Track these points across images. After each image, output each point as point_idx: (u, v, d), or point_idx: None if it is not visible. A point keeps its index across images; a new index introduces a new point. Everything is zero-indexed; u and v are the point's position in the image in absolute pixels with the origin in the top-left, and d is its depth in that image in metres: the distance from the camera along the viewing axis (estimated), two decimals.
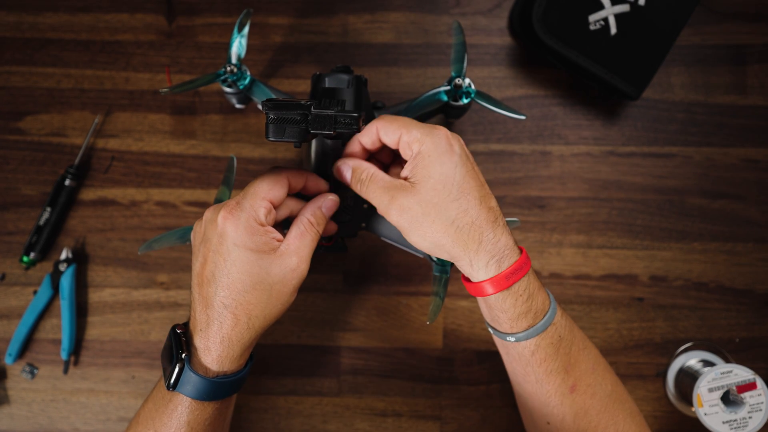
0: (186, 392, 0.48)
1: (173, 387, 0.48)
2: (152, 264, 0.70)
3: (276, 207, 0.50)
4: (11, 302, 0.70)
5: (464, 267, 0.49)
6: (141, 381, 0.70)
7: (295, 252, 0.49)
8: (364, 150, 0.52)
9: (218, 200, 0.59)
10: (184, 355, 0.48)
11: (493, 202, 0.49)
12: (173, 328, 0.50)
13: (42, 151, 0.71)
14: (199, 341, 0.48)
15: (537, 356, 0.51)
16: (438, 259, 0.58)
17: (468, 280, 0.51)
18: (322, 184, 0.54)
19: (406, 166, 0.49)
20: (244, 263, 0.47)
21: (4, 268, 0.71)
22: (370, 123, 0.51)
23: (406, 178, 0.49)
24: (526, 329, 0.50)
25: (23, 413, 0.69)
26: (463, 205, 0.47)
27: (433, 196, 0.47)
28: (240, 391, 0.53)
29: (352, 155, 0.52)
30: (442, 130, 0.49)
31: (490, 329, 0.53)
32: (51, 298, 0.69)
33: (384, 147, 0.52)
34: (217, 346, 0.48)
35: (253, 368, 0.70)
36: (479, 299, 0.52)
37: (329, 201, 0.52)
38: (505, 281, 0.48)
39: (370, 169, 0.50)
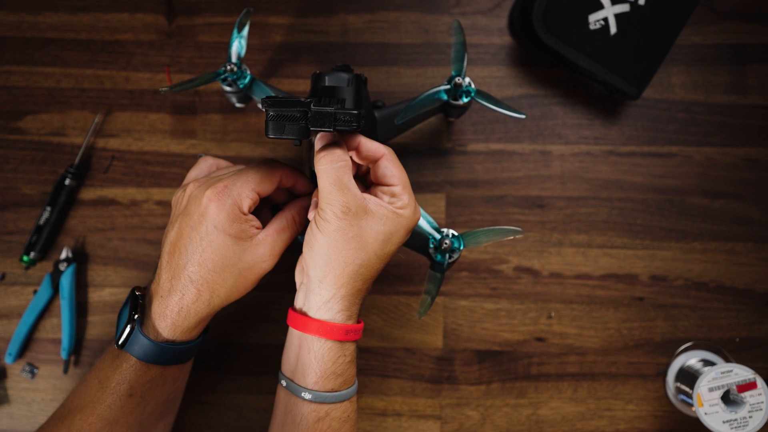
0: (133, 352, 0.50)
1: (121, 346, 0.50)
2: (152, 264, 0.70)
3: (262, 198, 0.51)
4: (11, 302, 0.70)
5: (314, 297, 0.50)
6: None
7: (270, 244, 0.50)
8: (355, 153, 0.52)
9: None
10: (137, 317, 0.50)
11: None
12: (133, 289, 0.52)
13: (42, 151, 0.71)
14: (157, 306, 0.50)
15: (320, 426, 0.50)
16: (437, 258, 0.58)
17: (300, 312, 0.51)
18: (310, 186, 0.55)
19: (383, 196, 0.51)
20: (219, 246, 0.48)
21: (4, 267, 0.71)
22: (382, 145, 0.51)
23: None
24: (330, 391, 0.49)
25: (23, 413, 0.69)
26: (373, 261, 0.49)
27: (370, 234, 0.48)
28: (197, 364, 0.57)
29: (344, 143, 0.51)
30: (418, 213, 0.52)
31: (283, 381, 0.52)
32: (51, 298, 0.69)
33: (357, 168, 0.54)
34: (173, 315, 0.49)
35: (254, 368, 0.70)
36: (294, 342, 0.51)
37: (315, 203, 0.51)
38: (344, 334, 0.49)
39: (347, 160, 0.49)
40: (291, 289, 0.54)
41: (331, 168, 0.47)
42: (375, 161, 0.51)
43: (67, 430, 0.50)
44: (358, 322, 0.52)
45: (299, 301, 0.52)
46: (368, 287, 0.51)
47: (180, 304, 0.49)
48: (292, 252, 0.55)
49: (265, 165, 0.51)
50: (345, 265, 0.48)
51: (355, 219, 0.47)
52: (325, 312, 0.49)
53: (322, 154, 0.48)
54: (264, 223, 0.53)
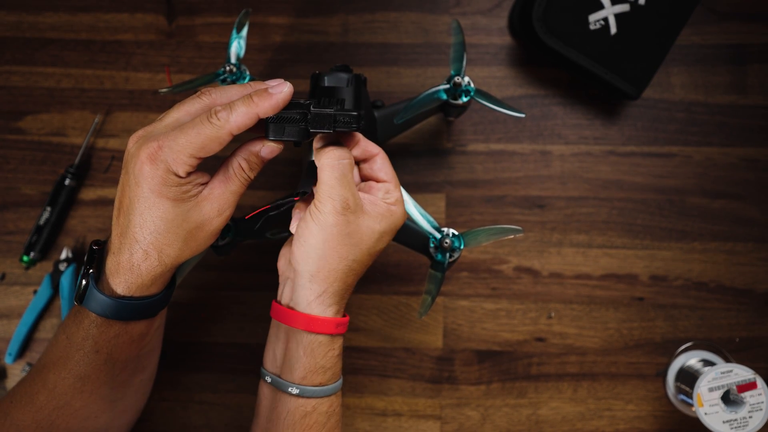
0: (91, 308, 0.48)
1: (78, 301, 0.48)
2: None
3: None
4: (11, 302, 0.70)
5: (304, 292, 0.49)
6: None
7: (217, 198, 0.47)
8: (348, 144, 0.51)
9: None
10: (91, 271, 0.48)
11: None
12: (91, 243, 0.50)
13: (42, 151, 0.71)
14: (110, 262, 0.47)
15: (307, 421, 0.49)
16: (438, 257, 0.58)
17: (288, 307, 0.50)
18: (275, 149, 0.49)
19: (377, 192, 0.50)
20: (158, 209, 0.45)
21: (4, 267, 0.71)
22: (377, 146, 0.52)
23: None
24: (318, 385, 0.49)
25: None
26: (365, 258, 0.49)
27: (365, 232, 0.48)
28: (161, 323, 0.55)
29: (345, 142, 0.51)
30: (405, 212, 0.52)
31: (267, 377, 0.51)
32: (51, 298, 0.69)
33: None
34: (125, 272, 0.47)
35: (254, 368, 0.70)
36: (280, 338, 0.51)
37: (270, 147, 0.48)
38: (334, 327, 0.49)
39: (351, 160, 0.49)
40: None
41: (339, 163, 0.47)
42: (370, 158, 0.51)
43: (42, 384, 0.50)
44: (344, 315, 0.52)
45: (285, 296, 0.51)
46: (356, 281, 0.51)
47: (130, 262, 0.46)
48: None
49: (210, 125, 0.45)
50: (339, 260, 0.48)
51: (353, 216, 0.47)
52: (315, 307, 0.49)
53: (329, 149, 0.48)
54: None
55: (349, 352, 0.70)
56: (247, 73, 0.64)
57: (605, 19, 0.67)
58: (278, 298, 0.53)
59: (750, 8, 0.72)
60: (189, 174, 0.45)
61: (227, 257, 0.64)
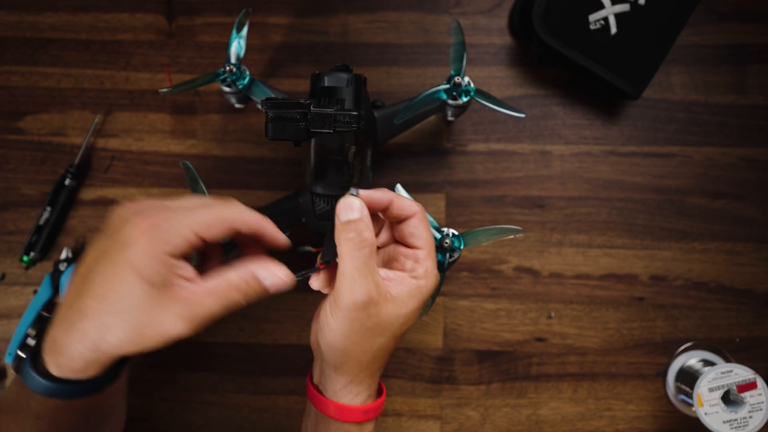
0: (25, 381, 0.42)
1: (16, 370, 0.44)
2: None
3: (210, 244, 0.42)
4: (11, 302, 0.70)
5: (330, 380, 0.47)
6: (139, 380, 0.69)
7: (190, 303, 0.40)
8: (378, 205, 0.47)
9: None
10: (29, 339, 0.44)
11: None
12: (44, 303, 0.46)
13: (42, 151, 0.71)
14: (48, 336, 0.42)
15: None
16: (438, 258, 0.58)
17: (317, 389, 0.48)
18: (281, 240, 0.46)
19: (404, 260, 0.46)
20: (124, 286, 0.39)
21: (4, 267, 0.71)
22: (412, 201, 0.47)
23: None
24: None
25: None
26: (391, 343, 0.46)
27: (390, 320, 0.45)
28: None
29: (367, 200, 0.46)
30: (437, 279, 0.47)
31: None
32: (51, 298, 0.69)
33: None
34: (58, 352, 0.41)
35: (253, 368, 0.70)
36: (311, 416, 0.49)
37: (278, 278, 0.43)
38: (362, 415, 0.47)
39: (374, 243, 0.44)
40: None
41: (359, 253, 0.43)
42: (404, 220, 0.47)
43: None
44: (379, 393, 0.49)
45: (316, 375, 0.49)
46: (385, 364, 0.48)
47: (65, 340, 0.40)
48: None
49: (224, 206, 0.43)
50: (363, 353, 0.45)
51: (375, 308, 0.43)
52: (343, 396, 0.46)
53: (349, 234, 0.43)
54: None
55: None
56: (247, 73, 0.64)
57: (605, 19, 0.67)
58: (312, 373, 0.50)
59: (750, 8, 0.72)
60: (180, 257, 0.40)
61: (227, 257, 0.64)
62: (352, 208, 0.43)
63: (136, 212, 0.41)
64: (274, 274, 0.43)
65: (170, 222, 0.40)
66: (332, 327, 0.44)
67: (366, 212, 0.44)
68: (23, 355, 0.43)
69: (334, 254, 0.44)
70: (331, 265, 0.46)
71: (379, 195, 0.46)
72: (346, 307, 0.43)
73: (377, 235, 0.49)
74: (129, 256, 0.39)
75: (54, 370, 0.41)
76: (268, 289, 0.43)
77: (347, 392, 0.46)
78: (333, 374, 0.46)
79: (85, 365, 0.41)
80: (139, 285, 0.39)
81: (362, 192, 0.45)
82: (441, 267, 0.58)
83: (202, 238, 0.41)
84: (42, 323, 0.45)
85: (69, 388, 0.42)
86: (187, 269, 0.41)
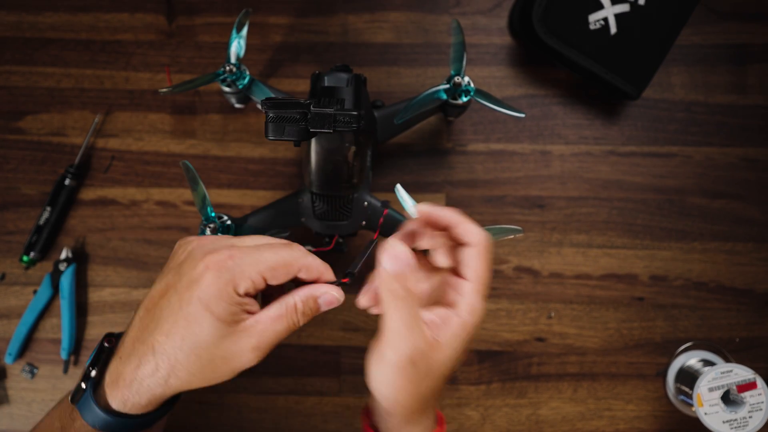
0: (82, 413, 0.43)
1: (72, 401, 0.44)
2: (152, 263, 0.70)
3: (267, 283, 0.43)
4: (11, 302, 0.70)
5: (383, 420, 0.47)
6: None
7: (258, 335, 0.42)
8: (435, 223, 0.45)
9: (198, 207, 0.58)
10: (93, 372, 0.43)
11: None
12: (105, 336, 0.45)
13: (42, 151, 0.71)
14: (113, 368, 0.43)
15: None
16: None
17: (373, 428, 0.48)
18: (338, 295, 0.46)
19: (443, 322, 0.43)
20: (196, 323, 0.41)
21: (4, 267, 0.71)
22: (480, 231, 0.44)
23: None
24: None
25: (23, 413, 0.69)
26: (440, 385, 0.45)
27: (437, 367, 0.43)
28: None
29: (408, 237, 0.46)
30: (479, 313, 0.44)
31: None
32: (51, 298, 0.69)
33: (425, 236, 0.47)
34: (125, 385, 0.42)
35: (254, 368, 0.69)
36: None
37: (331, 296, 0.45)
38: None
39: (419, 293, 0.45)
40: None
41: (405, 306, 0.42)
42: (463, 245, 0.45)
43: None
44: (437, 422, 0.48)
45: (371, 408, 0.49)
46: (436, 400, 0.47)
47: (134, 375, 0.42)
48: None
49: (288, 249, 0.43)
50: (412, 398, 0.44)
51: (422, 360, 0.42)
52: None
53: (393, 286, 0.42)
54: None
55: (349, 352, 0.70)
56: (247, 73, 0.64)
57: (605, 19, 0.67)
58: (367, 407, 0.50)
59: (750, 8, 0.72)
60: (247, 295, 0.42)
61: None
62: (397, 258, 0.42)
63: (202, 248, 0.42)
64: (332, 295, 0.44)
65: (238, 261, 0.41)
66: (379, 379, 0.44)
67: (412, 261, 0.43)
68: (84, 387, 0.43)
69: (356, 268, 0.45)
70: (368, 279, 0.45)
71: (442, 214, 0.44)
72: (393, 363, 0.42)
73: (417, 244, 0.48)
74: (199, 293, 0.40)
75: (116, 404, 0.42)
76: (322, 306, 0.44)
77: (399, 430, 0.46)
78: (385, 415, 0.46)
79: (149, 400, 0.42)
80: (210, 322, 0.40)
81: (422, 207, 0.44)
82: None
83: (267, 279, 0.42)
84: (100, 353, 0.44)
85: (127, 422, 0.43)
86: (252, 304, 0.42)
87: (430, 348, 0.42)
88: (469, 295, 0.44)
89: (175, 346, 0.41)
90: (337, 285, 0.45)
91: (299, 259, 0.43)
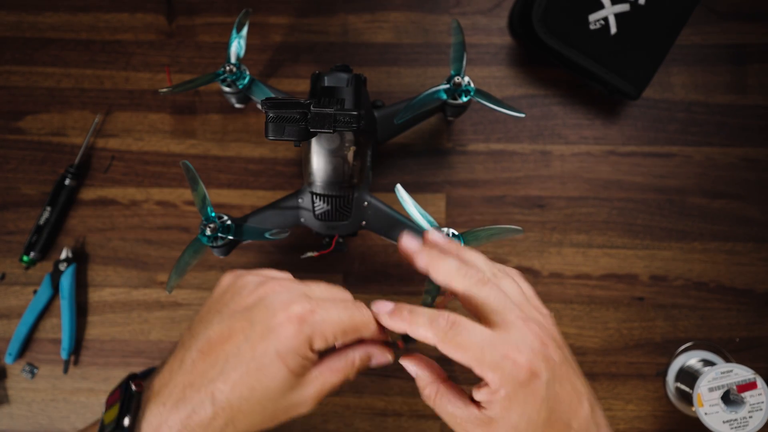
0: None
1: None
2: (152, 263, 0.70)
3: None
4: (11, 302, 0.70)
5: None
6: None
7: (320, 386, 0.42)
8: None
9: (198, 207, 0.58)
10: (127, 421, 0.40)
11: (583, 414, 0.42)
12: (128, 378, 0.42)
13: (42, 151, 0.71)
14: (153, 416, 0.40)
15: None
16: None
17: None
18: (389, 356, 0.47)
19: (481, 392, 0.42)
20: (270, 375, 0.40)
21: (4, 267, 0.71)
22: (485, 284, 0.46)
23: (479, 404, 0.42)
24: None
25: (23, 413, 0.69)
26: None
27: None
28: None
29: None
30: (526, 355, 0.40)
31: None
32: (51, 298, 0.69)
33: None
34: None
35: None
36: None
37: (385, 359, 0.46)
38: None
39: (437, 381, 0.44)
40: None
41: (445, 406, 0.43)
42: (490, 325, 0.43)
43: None
44: None
45: None
46: None
47: (184, 423, 0.39)
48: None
49: (359, 312, 0.43)
50: None
51: (499, 426, 0.41)
52: None
53: (446, 398, 0.44)
54: None
55: None
56: (247, 73, 0.64)
57: (605, 19, 0.67)
58: None
59: (750, 8, 0.72)
60: (318, 352, 0.42)
61: (227, 257, 0.64)
62: (425, 387, 0.45)
63: (281, 295, 0.42)
64: (386, 358, 0.46)
65: (318, 318, 0.41)
66: None
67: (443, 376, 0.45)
68: None
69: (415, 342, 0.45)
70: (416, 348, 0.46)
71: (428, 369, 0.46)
72: None
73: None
74: (278, 345, 0.40)
75: None
76: (372, 365, 0.46)
77: None
78: None
79: None
80: (283, 375, 0.40)
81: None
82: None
83: (337, 339, 0.42)
84: (129, 396, 0.41)
85: None
86: (316, 356, 0.42)
87: (480, 420, 0.41)
88: (491, 395, 0.41)
89: (242, 396, 0.40)
90: (390, 346, 0.46)
91: (369, 325, 0.44)
